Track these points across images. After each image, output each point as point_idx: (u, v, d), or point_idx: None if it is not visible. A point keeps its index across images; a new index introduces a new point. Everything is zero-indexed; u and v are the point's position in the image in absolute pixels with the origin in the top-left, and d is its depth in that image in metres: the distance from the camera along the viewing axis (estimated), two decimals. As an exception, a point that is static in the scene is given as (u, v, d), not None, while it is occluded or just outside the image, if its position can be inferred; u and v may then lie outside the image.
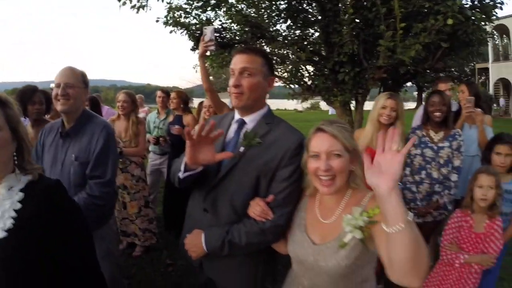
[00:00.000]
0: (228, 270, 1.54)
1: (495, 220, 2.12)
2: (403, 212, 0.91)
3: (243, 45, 4.54)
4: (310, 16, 5.12)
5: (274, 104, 30.14)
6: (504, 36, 22.36)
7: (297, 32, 5.30)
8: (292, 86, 5.25)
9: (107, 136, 1.90)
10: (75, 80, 1.88)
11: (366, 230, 1.12)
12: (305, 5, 5.04)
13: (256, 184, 1.42)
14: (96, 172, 1.83)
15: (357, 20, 4.16)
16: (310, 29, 5.28)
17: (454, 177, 2.55)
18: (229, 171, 1.44)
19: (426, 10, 3.90)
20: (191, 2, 4.94)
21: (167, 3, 5.01)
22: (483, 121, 2.93)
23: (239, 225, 1.42)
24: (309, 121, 15.32)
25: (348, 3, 3.98)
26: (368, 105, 4.11)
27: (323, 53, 4.73)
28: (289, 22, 5.14)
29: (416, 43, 3.50)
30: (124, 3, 4.58)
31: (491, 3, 4.45)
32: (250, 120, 1.50)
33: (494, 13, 4.62)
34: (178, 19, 4.95)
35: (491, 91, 22.48)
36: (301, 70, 5.16)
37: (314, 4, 4.89)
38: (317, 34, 5.20)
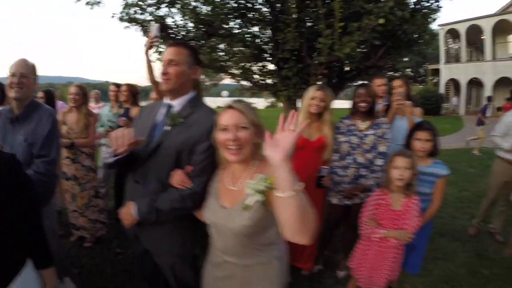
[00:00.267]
0: (160, 238, 1.73)
1: (411, 199, 2.25)
2: (293, 181, 1.07)
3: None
4: (258, 15, 5.28)
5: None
6: (457, 39, 23.82)
7: (246, 30, 5.44)
8: (243, 82, 5.42)
9: (54, 122, 2.15)
10: (28, 71, 2.11)
11: (267, 194, 1.29)
12: (256, 5, 5.23)
13: (178, 158, 1.62)
14: (43, 151, 2.06)
15: (302, 19, 4.41)
16: (259, 28, 5.45)
17: (379, 161, 2.70)
18: (156, 148, 1.65)
19: (363, 11, 4.24)
20: (146, -1, 5.01)
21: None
22: (413, 112, 3.09)
23: (164, 194, 1.62)
24: (267, 118, 15.52)
25: (293, 2, 4.23)
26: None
27: (270, 51, 4.95)
28: (239, 20, 5.29)
29: (351, 40, 3.79)
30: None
31: (435, 5, 4.91)
32: (177, 104, 1.71)
33: (432, 17, 5.08)
34: (133, 16, 5.00)
35: (442, 90, 24.00)
36: (250, 67, 5.33)
37: (263, 1, 5.08)
38: (267, 32, 5.41)
